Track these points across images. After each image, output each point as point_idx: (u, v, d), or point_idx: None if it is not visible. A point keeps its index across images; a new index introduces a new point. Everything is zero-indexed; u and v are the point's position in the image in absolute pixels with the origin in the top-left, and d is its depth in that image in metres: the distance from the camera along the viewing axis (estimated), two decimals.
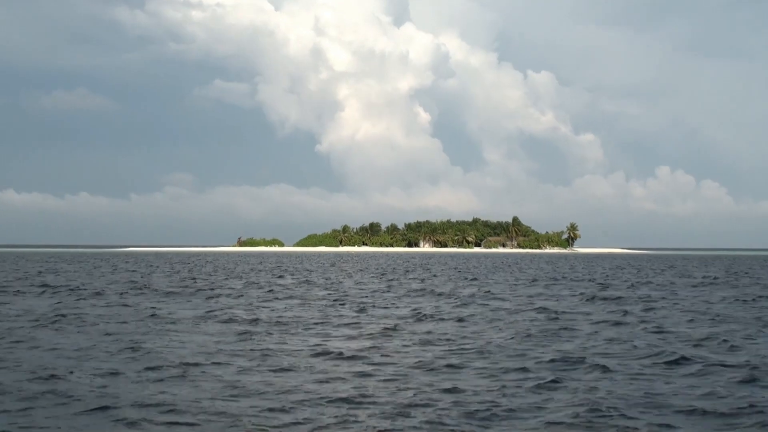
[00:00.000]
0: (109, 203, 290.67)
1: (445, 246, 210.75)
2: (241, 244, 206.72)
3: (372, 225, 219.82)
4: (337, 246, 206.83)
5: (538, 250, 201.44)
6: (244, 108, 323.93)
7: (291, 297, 24.87)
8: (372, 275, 39.12)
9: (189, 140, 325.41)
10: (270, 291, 28.04)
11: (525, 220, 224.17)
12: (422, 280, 35.80)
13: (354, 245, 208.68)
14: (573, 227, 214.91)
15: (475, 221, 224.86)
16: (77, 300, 24.08)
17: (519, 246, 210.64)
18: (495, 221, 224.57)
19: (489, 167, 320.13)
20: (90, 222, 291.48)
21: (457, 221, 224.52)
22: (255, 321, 17.47)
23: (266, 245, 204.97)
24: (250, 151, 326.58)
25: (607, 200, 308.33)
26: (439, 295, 26.21)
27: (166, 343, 13.81)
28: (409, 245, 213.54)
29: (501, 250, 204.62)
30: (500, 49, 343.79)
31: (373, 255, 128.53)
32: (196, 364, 11.44)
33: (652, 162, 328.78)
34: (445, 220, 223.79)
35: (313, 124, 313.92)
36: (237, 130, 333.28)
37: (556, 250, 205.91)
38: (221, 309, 20.13)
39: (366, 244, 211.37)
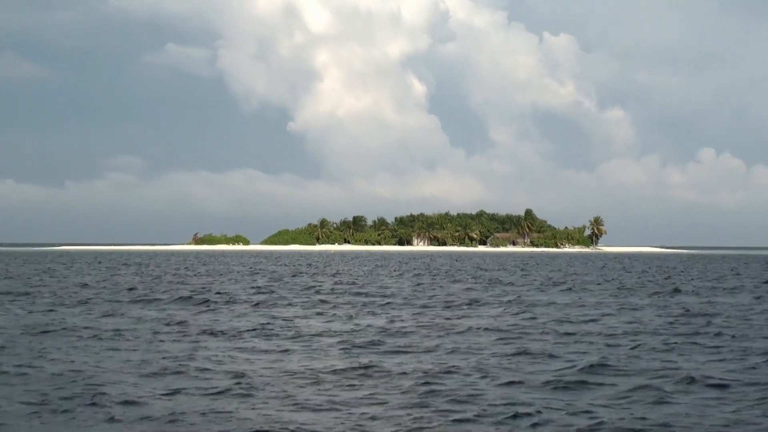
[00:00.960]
0: (38, 192, 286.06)
1: (444, 244, 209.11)
2: (198, 241, 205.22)
3: (356, 219, 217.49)
4: (313, 244, 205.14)
5: (555, 249, 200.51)
6: (202, 78, 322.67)
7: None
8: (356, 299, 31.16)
9: (136, 117, 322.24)
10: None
11: (540, 213, 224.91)
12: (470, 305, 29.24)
13: (334, 243, 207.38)
14: (597, 221, 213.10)
15: (480, 214, 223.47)
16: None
17: (532, 244, 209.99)
18: (504, 214, 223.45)
19: (497, 149, 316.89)
20: (15, 214, 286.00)
21: (458, 214, 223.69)
22: None
23: (228, 243, 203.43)
24: (209, 130, 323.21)
25: (638, 189, 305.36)
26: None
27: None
28: (400, 243, 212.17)
29: (511, 248, 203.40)
30: (510, 7, 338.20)
31: (358, 255, 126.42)
32: None
33: (694, 143, 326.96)
34: (443, 212, 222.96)
35: (285, 97, 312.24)
36: (193, 104, 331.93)
37: (577, 248, 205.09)
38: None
39: (348, 242, 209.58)
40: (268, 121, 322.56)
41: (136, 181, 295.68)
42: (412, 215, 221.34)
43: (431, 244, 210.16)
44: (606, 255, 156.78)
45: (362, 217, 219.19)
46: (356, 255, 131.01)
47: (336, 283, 35.86)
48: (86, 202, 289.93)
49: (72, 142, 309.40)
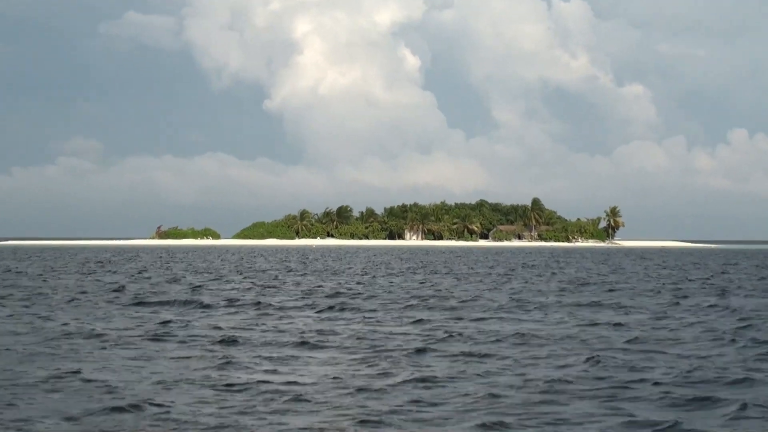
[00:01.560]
0: None
1: (440, 238, 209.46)
2: (162, 235, 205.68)
3: (341, 209, 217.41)
4: (292, 238, 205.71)
5: (566, 244, 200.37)
6: (166, 51, 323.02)
7: None
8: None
9: (92, 95, 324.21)
10: None
11: (549, 203, 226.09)
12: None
13: (316, 236, 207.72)
14: (614, 212, 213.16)
15: (481, 204, 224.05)
16: None
17: (540, 238, 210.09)
18: (508, 204, 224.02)
19: (500, 131, 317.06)
20: None
21: (456, 204, 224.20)
22: None
23: (196, 237, 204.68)
24: (175, 110, 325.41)
25: (660, 176, 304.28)
26: None
27: None
28: (391, 236, 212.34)
29: (516, 243, 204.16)
30: None
31: (346, 251, 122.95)
32: None
33: (724, 123, 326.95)
34: (439, 202, 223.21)
35: (261, 72, 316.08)
36: (157, 80, 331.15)
37: (590, 242, 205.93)
38: None
39: (332, 235, 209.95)
40: (242, 99, 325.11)
41: (93, 167, 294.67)
42: (404, 205, 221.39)
43: (426, 238, 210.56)
44: (626, 251, 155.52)
45: (348, 207, 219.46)
46: (348, 250, 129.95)
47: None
48: (35, 190, 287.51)
49: (19, 123, 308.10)
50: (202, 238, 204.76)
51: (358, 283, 39.66)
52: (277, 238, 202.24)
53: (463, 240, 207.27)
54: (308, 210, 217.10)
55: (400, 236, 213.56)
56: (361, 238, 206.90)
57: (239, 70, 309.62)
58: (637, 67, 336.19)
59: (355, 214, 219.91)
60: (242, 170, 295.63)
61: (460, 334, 19.30)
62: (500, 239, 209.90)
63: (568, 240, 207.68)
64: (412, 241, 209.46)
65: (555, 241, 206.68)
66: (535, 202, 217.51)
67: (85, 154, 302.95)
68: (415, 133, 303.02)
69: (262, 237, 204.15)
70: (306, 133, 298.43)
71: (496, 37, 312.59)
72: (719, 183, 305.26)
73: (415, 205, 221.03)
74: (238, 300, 28.81)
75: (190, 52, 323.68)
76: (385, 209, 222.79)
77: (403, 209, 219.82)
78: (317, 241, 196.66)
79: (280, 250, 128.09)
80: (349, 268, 54.94)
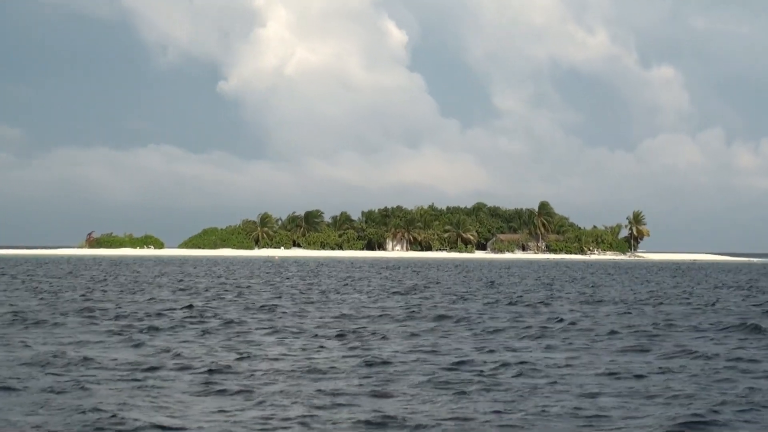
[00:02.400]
0: None
1: (429, 248, 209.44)
2: (93, 243, 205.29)
3: (310, 214, 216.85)
4: (251, 247, 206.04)
5: (579, 256, 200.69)
6: (101, 21, 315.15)
7: None
8: None
9: (12, 74, 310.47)
10: None
11: (560, 208, 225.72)
12: None
13: (280, 246, 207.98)
14: (638, 218, 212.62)
15: (479, 208, 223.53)
16: None
17: (549, 249, 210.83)
18: (511, 209, 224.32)
19: (503, 120, 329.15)
20: None
21: (448, 208, 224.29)
22: None
23: (134, 246, 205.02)
24: (112, 93, 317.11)
25: (693, 175, 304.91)
26: None
27: None
28: (370, 246, 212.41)
29: (520, 255, 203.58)
30: None
31: (313, 264, 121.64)
32: None
33: None
34: (428, 206, 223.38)
35: (215, 48, 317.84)
36: (90, 57, 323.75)
37: (609, 254, 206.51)
38: None
39: (299, 245, 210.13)
40: (192, 80, 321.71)
41: (12, 161, 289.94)
42: (386, 209, 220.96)
43: (411, 249, 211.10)
44: (656, 264, 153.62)
45: (318, 211, 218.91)
46: (318, 263, 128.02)
47: None
48: None
49: None
50: (141, 247, 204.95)
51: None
52: (233, 248, 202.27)
53: (456, 251, 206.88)
54: (271, 214, 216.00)
55: (381, 246, 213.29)
56: (333, 248, 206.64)
57: (189, 44, 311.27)
58: (667, 45, 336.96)
59: (327, 219, 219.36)
60: (192, 166, 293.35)
61: None
62: (501, 250, 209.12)
63: (582, 251, 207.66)
64: (395, 252, 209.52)
65: (566, 252, 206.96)
66: (543, 207, 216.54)
67: (3, 145, 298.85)
68: (400, 122, 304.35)
69: (215, 246, 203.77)
70: (269, 122, 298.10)
71: (499, 8, 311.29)
72: (764, 184, 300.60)
73: (399, 208, 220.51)
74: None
75: (129, 23, 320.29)
76: (363, 214, 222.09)
77: (385, 214, 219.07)
78: (281, 252, 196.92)
79: (235, 262, 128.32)
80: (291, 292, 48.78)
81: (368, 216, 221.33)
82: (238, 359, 20.35)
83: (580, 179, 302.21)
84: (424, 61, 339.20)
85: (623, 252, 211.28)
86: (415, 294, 46.68)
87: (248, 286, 54.44)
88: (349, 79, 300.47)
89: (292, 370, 18.43)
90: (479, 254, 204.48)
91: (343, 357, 20.70)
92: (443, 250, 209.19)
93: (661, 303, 41.41)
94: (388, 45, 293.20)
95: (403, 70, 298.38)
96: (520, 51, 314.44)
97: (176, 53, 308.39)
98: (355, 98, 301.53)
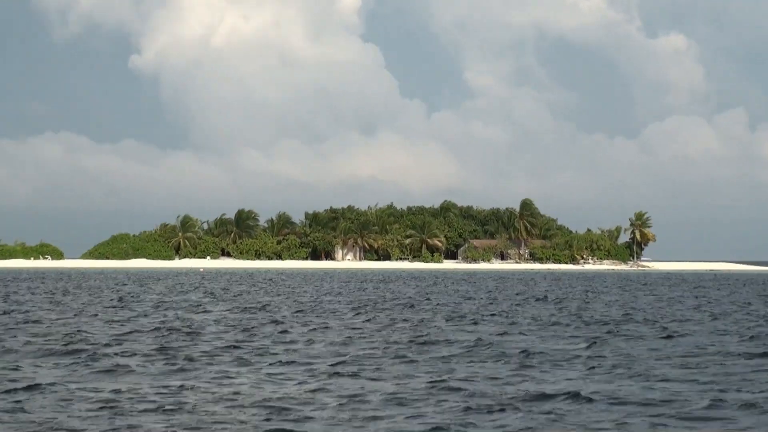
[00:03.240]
0: None
1: (387, 257, 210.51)
2: None
3: (242, 216, 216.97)
4: (170, 257, 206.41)
5: (570, 266, 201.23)
6: None
7: None
8: None
9: None
10: None
11: (546, 207, 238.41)
12: None
13: (205, 255, 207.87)
14: (641, 220, 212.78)
15: (448, 208, 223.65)
16: None
17: (533, 257, 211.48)
18: (487, 209, 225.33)
19: (477, 101, 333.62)
20: None
21: (411, 209, 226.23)
22: None
23: (28, 256, 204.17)
24: (1, 69, 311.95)
25: (710, 165, 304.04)
26: None
27: None
28: (315, 255, 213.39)
29: (498, 265, 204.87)
30: None
31: (244, 279, 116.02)
32: None
33: None
34: (386, 205, 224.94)
35: (126, 14, 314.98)
36: None
37: (606, 264, 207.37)
38: None
39: (229, 254, 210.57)
40: (98, 54, 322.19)
41: None
42: (334, 210, 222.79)
43: (366, 258, 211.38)
44: (666, 276, 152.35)
45: (252, 212, 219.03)
46: (250, 276, 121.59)
47: None
48: None
49: None
50: (36, 257, 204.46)
51: None
52: (148, 258, 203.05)
53: (420, 260, 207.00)
54: (194, 217, 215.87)
55: (329, 255, 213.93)
56: (271, 258, 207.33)
57: (93, 11, 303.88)
58: (677, 9, 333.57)
59: (263, 222, 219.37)
60: (98, 157, 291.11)
61: None
62: (474, 259, 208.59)
63: (573, 260, 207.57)
64: (346, 261, 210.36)
65: (554, 261, 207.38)
66: (526, 206, 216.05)
67: None
68: (352, 104, 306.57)
69: (126, 256, 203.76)
70: (192, 104, 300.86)
71: None
72: None
73: (351, 209, 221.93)
74: None
75: None
76: (307, 216, 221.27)
77: (334, 216, 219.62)
78: (206, 263, 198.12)
79: (146, 276, 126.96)
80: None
81: (313, 218, 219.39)
82: None
83: (572, 173, 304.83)
84: (381, 29, 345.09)
85: (624, 260, 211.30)
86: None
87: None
88: (290, 52, 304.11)
89: None
90: (448, 264, 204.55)
91: None
92: (404, 259, 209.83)
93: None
94: (337, 10, 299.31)
95: (355, 41, 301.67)
96: (497, 17, 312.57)
97: (78, 22, 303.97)
98: (297, 76, 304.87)
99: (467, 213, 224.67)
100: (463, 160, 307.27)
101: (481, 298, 63.90)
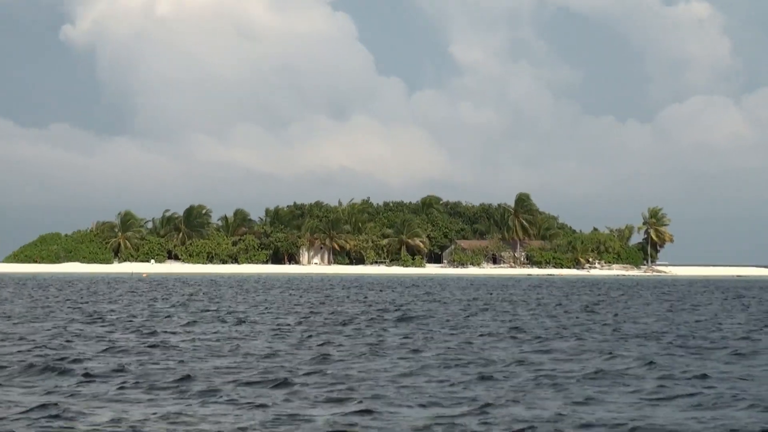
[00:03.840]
0: None
1: (361, 261, 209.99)
2: None
3: (192, 213, 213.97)
4: (109, 260, 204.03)
5: (574, 271, 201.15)
6: None
7: None
8: None
9: None
10: None
11: (547, 203, 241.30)
12: None
13: (149, 259, 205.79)
14: (656, 217, 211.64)
15: (431, 204, 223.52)
16: None
17: (530, 260, 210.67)
18: (477, 205, 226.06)
19: (465, 79, 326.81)
20: None
21: (388, 204, 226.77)
22: None
23: None
24: None
25: (737, 154, 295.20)
26: None
27: None
28: (277, 258, 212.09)
29: (490, 269, 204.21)
30: None
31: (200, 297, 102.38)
32: None
33: None
34: (361, 201, 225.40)
35: None
36: None
37: (617, 269, 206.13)
38: None
39: (177, 257, 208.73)
40: (24, 24, 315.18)
41: None
42: (299, 206, 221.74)
43: (336, 261, 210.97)
44: (689, 282, 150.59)
45: (204, 209, 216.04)
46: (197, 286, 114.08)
47: None
48: None
49: None
50: None
51: None
52: (83, 261, 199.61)
53: (399, 264, 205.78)
54: (136, 213, 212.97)
55: (293, 258, 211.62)
56: (225, 261, 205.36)
57: None
58: None
59: (217, 220, 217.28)
60: (24, 144, 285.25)
61: None
62: (462, 263, 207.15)
63: (577, 264, 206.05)
64: (313, 266, 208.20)
65: (555, 265, 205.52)
66: (523, 201, 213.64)
67: None
68: (320, 83, 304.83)
69: (56, 259, 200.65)
70: (134, 83, 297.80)
71: None
72: None
73: (319, 205, 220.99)
74: None
75: None
76: (267, 212, 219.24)
77: (299, 212, 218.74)
78: (150, 267, 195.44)
79: (83, 282, 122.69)
80: None
81: (275, 215, 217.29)
82: None
83: (576, 163, 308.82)
84: None
85: (636, 265, 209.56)
86: None
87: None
88: (249, 23, 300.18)
89: None
90: (432, 268, 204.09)
91: None
92: (381, 262, 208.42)
93: None
94: None
95: (324, 10, 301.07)
96: None
97: None
98: (257, 50, 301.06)
99: (454, 209, 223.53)
100: (449, 148, 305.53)
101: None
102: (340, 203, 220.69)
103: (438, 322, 49.15)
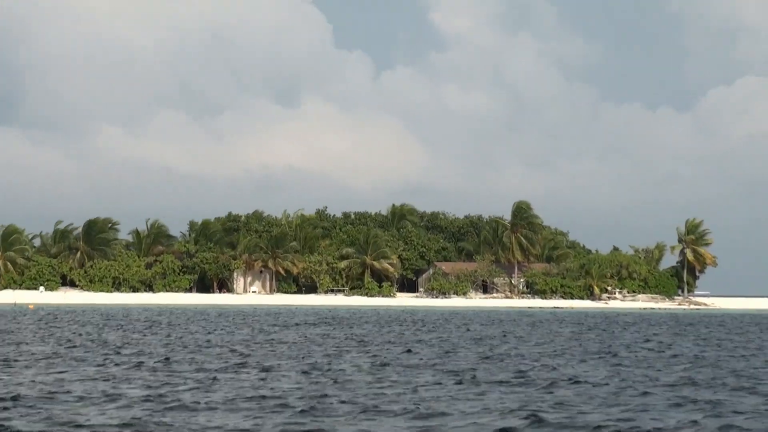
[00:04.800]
0: None
1: (313, 289, 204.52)
2: None
3: (95, 225, 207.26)
4: None
5: (588, 303, 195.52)
6: None
7: None
8: None
9: None
10: None
11: (553, 214, 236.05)
12: None
13: (37, 285, 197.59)
14: (695, 233, 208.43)
15: (404, 215, 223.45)
16: None
17: (530, 289, 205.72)
18: (462, 217, 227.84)
19: (449, 55, 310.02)
20: None
21: (349, 216, 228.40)
22: None
23: None
24: None
25: None
26: None
27: None
28: (203, 285, 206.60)
29: (480, 300, 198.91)
30: None
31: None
32: None
33: None
34: (315, 211, 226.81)
35: None
36: None
37: (643, 300, 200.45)
38: None
39: (74, 283, 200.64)
40: None
41: None
42: (233, 218, 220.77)
43: (281, 289, 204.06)
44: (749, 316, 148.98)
45: (110, 221, 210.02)
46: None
47: None
48: None
49: None
50: None
51: None
52: None
53: (362, 293, 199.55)
54: (20, 227, 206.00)
55: (224, 284, 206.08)
56: (136, 288, 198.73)
57: None
58: None
59: (126, 235, 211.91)
60: None
61: None
62: (444, 291, 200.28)
63: (591, 294, 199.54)
64: (250, 295, 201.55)
65: (563, 295, 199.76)
66: (522, 212, 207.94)
67: None
68: (262, 59, 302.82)
69: None
70: (19, 59, 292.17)
71: None
72: None
73: (259, 216, 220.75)
74: None
75: None
76: (192, 226, 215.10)
77: (233, 225, 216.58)
78: (39, 296, 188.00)
79: None
80: None
81: (202, 230, 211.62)
82: None
83: (592, 163, 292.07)
84: None
85: (668, 295, 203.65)
86: None
87: None
88: None
89: None
90: (404, 298, 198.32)
91: None
92: (338, 290, 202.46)
93: None
94: None
95: None
96: None
97: None
98: (180, 15, 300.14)
99: (433, 223, 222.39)
100: (428, 144, 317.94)
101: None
102: (286, 214, 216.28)
103: None
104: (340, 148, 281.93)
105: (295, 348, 66.16)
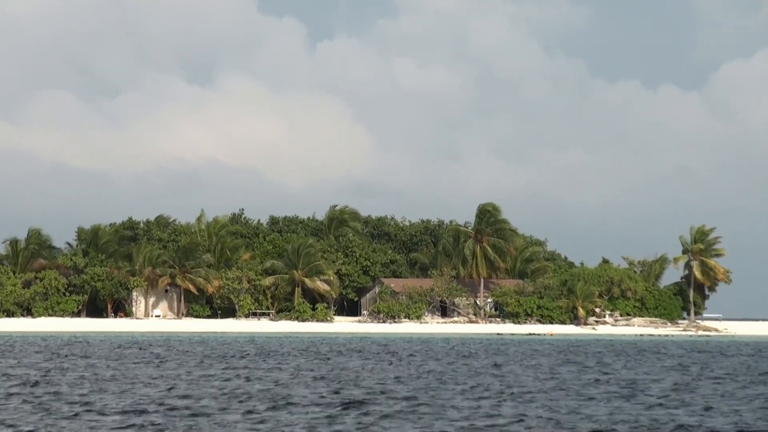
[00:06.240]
0: None
1: (231, 312, 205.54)
2: None
3: None
4: None
5: (573, 329, 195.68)
6: None
7: None
8: None
9: None
10: None
11: (528, 220, 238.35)
12: None
13: None
14: (704, 241, 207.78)
15: (344, 221, 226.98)
16: None
17: (499, 311, 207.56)
18: (416, 221, 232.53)
19: (403, 22, 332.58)
20: None
21: (274, 220, 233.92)
22: None
23: None
24: None
25: None
26: None
27: None
28: (95, 308, 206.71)
29: (437, 325, 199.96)
30: None
31: None
32: None
33: None
34: (231, 214, 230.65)
35: None
36: None
37: (640, 325, 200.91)
38: None
39: None
40: None
41: None
42: (131, 224, 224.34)
43: (191, 313, 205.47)
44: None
45: None
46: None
47: None
48: None
49: None
50: None
51: None
52: None
53: (291, 317, 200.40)
54: None
55: (120, 307, 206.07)
56: (11, 313, 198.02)
57: None
58: None
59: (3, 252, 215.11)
60: None
61: None
62: (393, 315, 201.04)
63: (575, 317, 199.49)
64: (152, 320, 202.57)
65: (539, 319, 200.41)
66: (489, 216, 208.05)
67: None
68: (171, 30, 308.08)
69: None
70: None
71: None
72: None
73: (165, 222, 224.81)
74: None
75: None
76: (81, 234, 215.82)
77: (131, 233, 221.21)
78: None
79: None
80: None
81: (93, 239, 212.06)
82: None
83: (579, 153, 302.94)
84: None
85: (671, 318, 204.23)
86: None
87: None
88: None
89: None
90: (343, 324, 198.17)
91: None
92: (262, 314, 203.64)
93: None
94: None
95: None
96: None
97: None
98: None
99: (380, 230, 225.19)
100: (376, 131, 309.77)
101: None
102: (200, 219, 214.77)
103: None
104: (268, 138, 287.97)
105: None
